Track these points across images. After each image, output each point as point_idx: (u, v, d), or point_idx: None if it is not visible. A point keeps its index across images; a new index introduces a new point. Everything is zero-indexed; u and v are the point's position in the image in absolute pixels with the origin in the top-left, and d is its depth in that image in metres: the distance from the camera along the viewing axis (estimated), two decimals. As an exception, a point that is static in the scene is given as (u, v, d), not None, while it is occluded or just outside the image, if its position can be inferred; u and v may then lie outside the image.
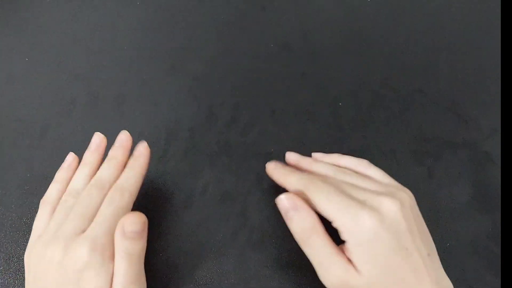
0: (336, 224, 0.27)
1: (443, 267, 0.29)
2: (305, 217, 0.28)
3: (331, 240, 0.28)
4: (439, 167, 0.39)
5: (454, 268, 0.34)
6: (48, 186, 0.36)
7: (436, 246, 0.29)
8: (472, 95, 0.43)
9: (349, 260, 0.27)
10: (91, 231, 0.27)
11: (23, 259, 0.33)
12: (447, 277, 0.28)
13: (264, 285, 0.33)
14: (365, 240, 0.26)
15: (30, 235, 0.34)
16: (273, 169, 0.33)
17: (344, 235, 0.27)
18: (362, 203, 0.27)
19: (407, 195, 0.29)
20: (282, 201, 0.28)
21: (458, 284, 0.33)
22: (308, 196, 0.28)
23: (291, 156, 0.36)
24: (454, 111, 0.42)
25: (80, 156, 0.38)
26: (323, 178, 0.30)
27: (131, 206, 0.30)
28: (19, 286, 0.32)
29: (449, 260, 0.34)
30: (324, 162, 0.34)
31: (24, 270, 0.33)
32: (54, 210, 0.31)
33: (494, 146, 0.40)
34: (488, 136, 0.41)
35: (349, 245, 0.26)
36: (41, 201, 0.32)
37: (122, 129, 0.40)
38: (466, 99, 0.43)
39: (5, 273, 0.33)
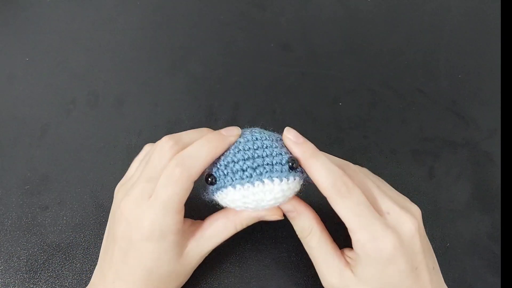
0: (352, 236, 0.26)
1: (443, 267, 0.29)
2: (304, 220, 0.28)
3: (330, 243, 0.28)
4: (439, 167, 0.39)
5: (454, 268, 0.34)
6: (48, 185, 0.37)
7: (436, 246, 0.29)
8: (472, 95, 0.43)
9: (347, 264, 0.27)
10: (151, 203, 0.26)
11: (23, 259, 0.33)
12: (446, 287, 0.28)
13: (264, 285, 0.33)
14: (378, 259, 0.25)
15: (30, 235, 0.34)
16: (295, 144, 0.27)
17: (356, 247, 0.26)
18: (384, 221, 0.26)
19: (417, 209, 0.28)
20: (284, 204, 0.29)
21: (458, 284, 0.33)
22: (333, 198, 0.26)
23: (290, 135, 0.27)
24: (454, 111, 0.42)
25: (77, 156, 0.38)
26: (357, 177, 0.28)
27: (190, 186, 0.26)
28: (19, 286, 0.32)
29: (449, 260, 0.34)
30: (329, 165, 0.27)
31: (23, 270, 0.33)
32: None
33: (494, 146, 0.40)
34: (488, 136, 0.41)
35: (359, 258, 0.26)
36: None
37: (122, 129, 0.40)
38: (466, 99, 0.43)
39: (5, 273, 0.33)
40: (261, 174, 0.25)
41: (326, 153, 0.29)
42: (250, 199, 0.26)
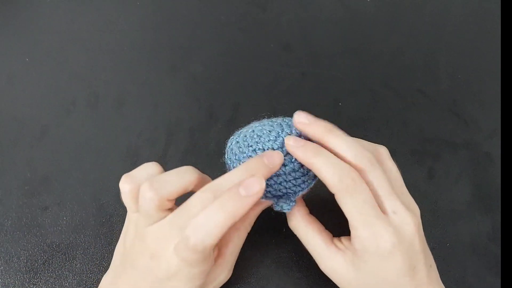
0: (353, 232, 0.26)
1: (443, 267, 0.29)
2: (294, 213, 0.30)
3: (320, 233, 0.29)
4: (439, 167, 0.39)
5: (454, 268, 0.34)
6: (48, 186, 0.37)
7: (436, 246, 0.29)
8: (472, 95, 0.43)
9: (339, 250, 0.28)
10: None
11: (23, 259, 0.33)
12: (443, 286, 0.28)
13: (264, 285, 0.33)
14: (376, 255, 0.26)
15: (30, 235, 0.34)
16: (296, 148, 0.27)
17: (356, 243, 0.26)
18: (388, 220, 0.26)
19: (418, 209, 0.28)
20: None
21: (458, 284, 0.33)
22: (340, 194, 0.26)
23: (300, 118, 0.29)
24: (454, 111, 0.42)
25: (77, 157, 0.38)
26: (373, 173, 0.27)
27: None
28: (19, 286, 0.32)
29: (449, 260, 0.34)
30: (348, 138, 0.28)
31: (23, 270, 0.33)
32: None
33: (494, 147, 0.40)
34: (488, 136, 0.41)
35: (358, 252, 0.26)
36: None
37: (122, 129, 0.40)
38: (466, 99, 0.43)
39: (5, 274, 0.33)
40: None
41: (354, 138, 0.29)
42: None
